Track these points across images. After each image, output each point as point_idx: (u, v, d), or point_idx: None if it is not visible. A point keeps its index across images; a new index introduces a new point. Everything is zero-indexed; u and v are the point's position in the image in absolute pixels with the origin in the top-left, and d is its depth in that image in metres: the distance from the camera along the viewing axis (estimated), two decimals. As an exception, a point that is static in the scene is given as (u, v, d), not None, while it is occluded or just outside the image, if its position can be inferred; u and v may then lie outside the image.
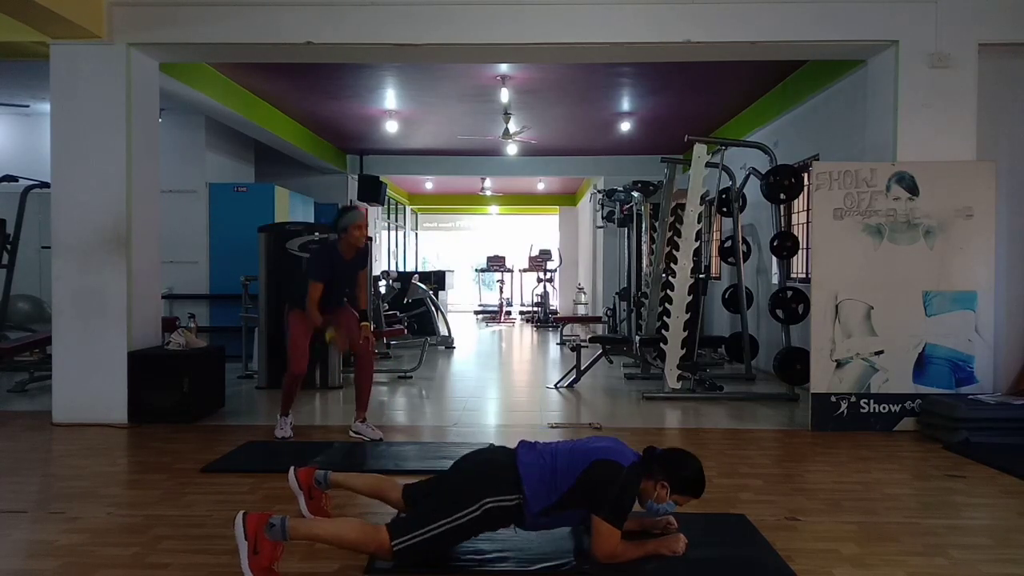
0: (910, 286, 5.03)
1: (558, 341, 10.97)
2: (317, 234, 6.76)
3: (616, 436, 3.06)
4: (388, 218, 15.71)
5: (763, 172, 6.47)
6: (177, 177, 8.23)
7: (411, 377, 7.45)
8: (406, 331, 9.30)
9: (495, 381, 7.78)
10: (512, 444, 2.96)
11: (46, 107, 6.31)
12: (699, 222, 6.19)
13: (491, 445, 3.02)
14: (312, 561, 2.77)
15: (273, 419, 5.30)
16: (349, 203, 4.96)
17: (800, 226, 7.24)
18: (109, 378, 5.17)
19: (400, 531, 2.65)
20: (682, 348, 6.13)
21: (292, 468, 3.17)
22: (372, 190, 11.89)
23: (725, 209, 7.28)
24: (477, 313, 17.24)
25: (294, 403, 4.89)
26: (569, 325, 12.92)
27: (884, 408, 5.03)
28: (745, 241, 7.54)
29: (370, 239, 9.01)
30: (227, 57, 6.30)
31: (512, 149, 11.41)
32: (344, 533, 2.69)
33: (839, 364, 5.05)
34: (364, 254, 4.95)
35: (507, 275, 16.74)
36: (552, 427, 5.20)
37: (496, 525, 2.77)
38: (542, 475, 2.73)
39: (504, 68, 7.37)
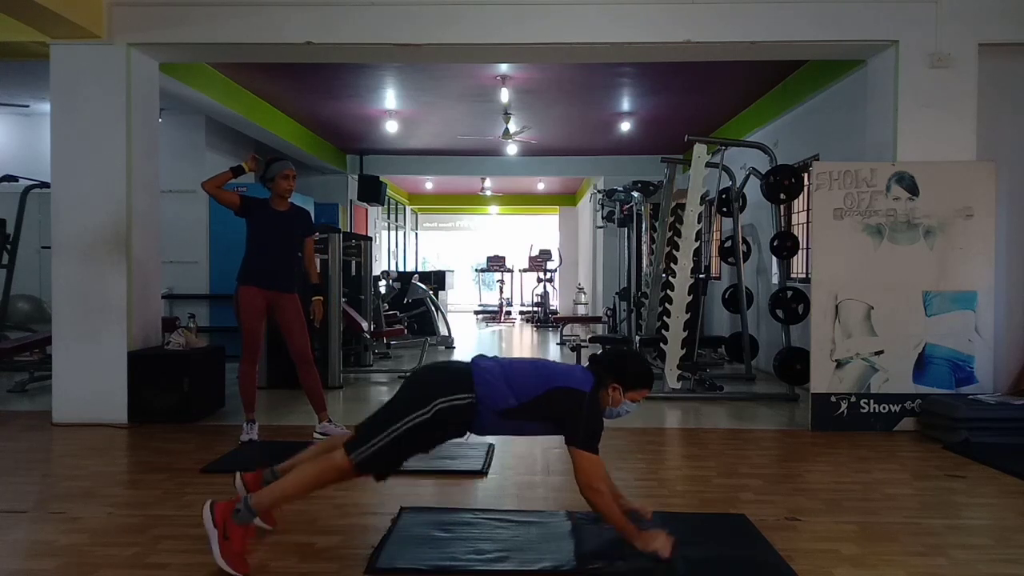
0: (910, 286, 5.03)
1: (558, 341, 10.97)
2: (317, 234, 6.74)
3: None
4: (388, 218, 15.71)
5: (763, 172, 6.47)
6: (177, 177, 8.22)
7: (411, 377, 7.43)
8: (406, 331, 9.30)
9: (495, 381, 7.76)
10: None
11: (46, 107, 6.30)
12: (699, 222, 6.19)
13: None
14: (312, 562, 2.76)
15: (273, 419, 5.32)
16: (279, 156, 4.93)
17: (800, 226, 7.24)
18: (109, 378, 5.16)
19: (355, 445, 2.68)
20: (682, 348, 6.12)
21: (237, 473, 3.02)
22: (372, 190, 11.90)
23: (725, 209, 7.27)
24: (477, 313, 17.23)
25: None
26: (569, 325, 12.92)
27: (884, 408, 5.03)
28: (745, 241, 7.53)
29: (369, 238, 9.08)
30: (227, 57, 6.29)
31: (512, 149, 11.41)
32: (302, 479, 2.72)
33: (839, 364, 5.04)
34: (305, 217, 4.87)
35: (507, 275, 16.74)
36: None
37: (450, 428, 2.75)
38: (496, 378, 2.73)
39: (504, 68, 7.37)
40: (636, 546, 2.67)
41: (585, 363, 2.92)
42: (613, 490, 2.92)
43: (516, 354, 10.43)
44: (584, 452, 2.67)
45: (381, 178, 12.16)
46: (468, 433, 2.83)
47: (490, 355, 2.92)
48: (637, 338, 7.11)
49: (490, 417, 2.74)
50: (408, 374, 7.34)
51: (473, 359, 2.86)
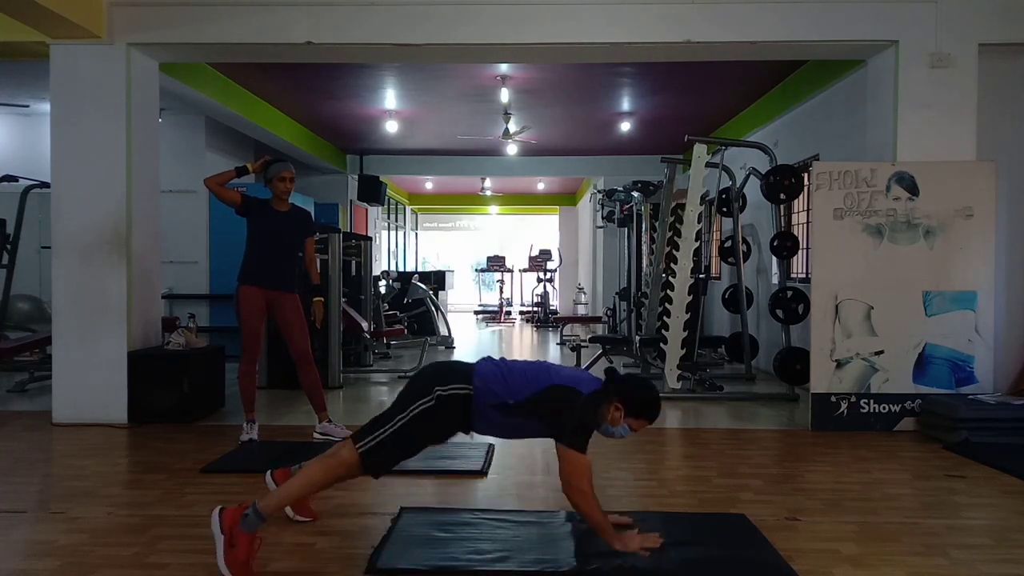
0: (910, 286, 5.02)
1: (558, 341, 10.96)
2: (318, 235, 6.74)
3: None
4: (388, 218, 15.71)
5: (763, 172, 6.47)
6: (177, 177, 8.21)
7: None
8: (406, 331, 9.30)
9: (495, 381, 7.75)
10: None
11: (46, 107, 6.30)
12: (699, 222, 6.18)
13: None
14: (312, 562, 2.77)
15: (273, 419, 5.32)
16: (280, 157, 4.96)
17: (800, 226, 7.24)
18: (109, 378, 5.16)
19: (361, 436, 2.72)
20: (682, 348, 6.12)
21: (269, 471, 3.16)
22: (372, 190, 11.90)
23: (725, 209, 7.28)
24: (477, 313, 17.23)
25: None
26: (569, 325, 12.92)
27: (884, 408, 5.03)
28: (745, 241, 7.53)
29: (369, 238, 9.08)
30: (227, 57, 6.29)
31: (512, 149, 11.41)
32: (310, 476, 2.75)
33: (839, 364, 5.04)
34: (306, 217, 4.89)
35: (507, 275, 16.74)
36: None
37: (451, 420, 2.77)
38: (495, 374, 2.77)
39: (504, 68, 7.37)
40: (615, 547, 2.69)
41: (585, 366, 2.95)
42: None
43: (516, 355, 10.42)
44: (570, 450, 2.66)
45: (381, 178, 12.15)
46: (472, 433, 2.85)
47: (496, 357, 2.93)
48: (637, 338, 7.11)
49: (487, 412, 2.74)
50: (410, 372, 7.39)
51: (478, 360, 2.88)
